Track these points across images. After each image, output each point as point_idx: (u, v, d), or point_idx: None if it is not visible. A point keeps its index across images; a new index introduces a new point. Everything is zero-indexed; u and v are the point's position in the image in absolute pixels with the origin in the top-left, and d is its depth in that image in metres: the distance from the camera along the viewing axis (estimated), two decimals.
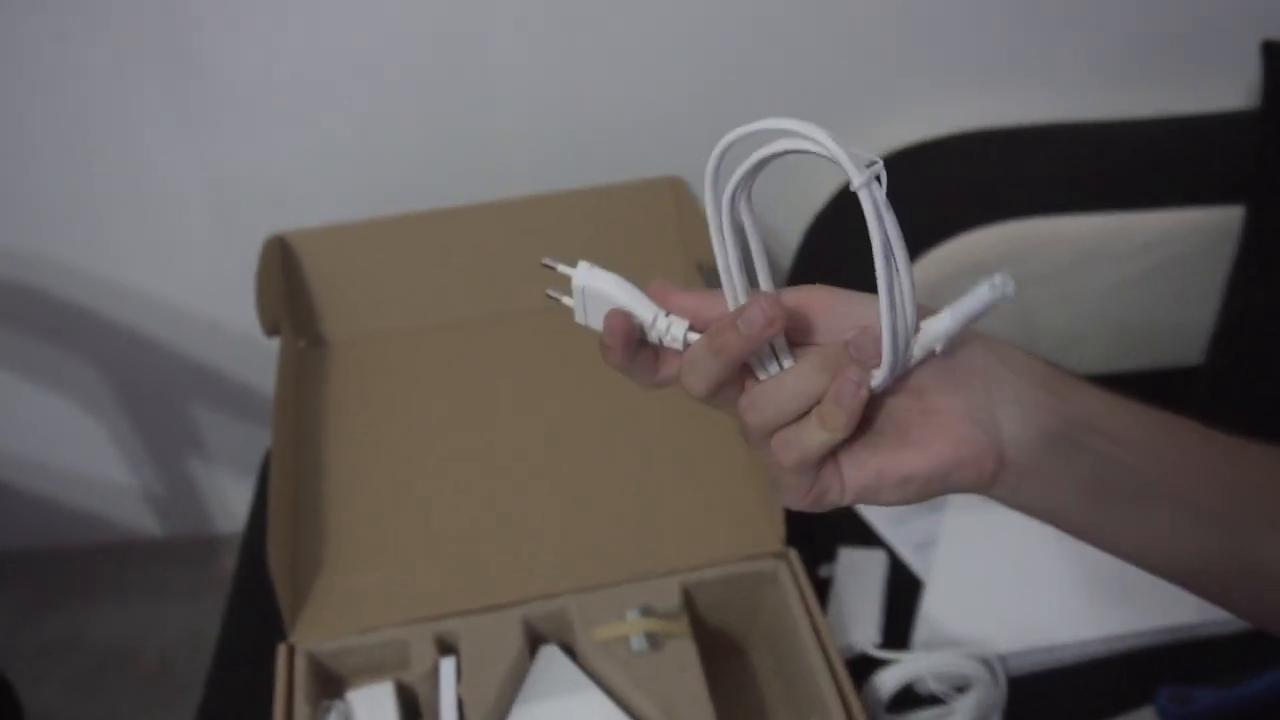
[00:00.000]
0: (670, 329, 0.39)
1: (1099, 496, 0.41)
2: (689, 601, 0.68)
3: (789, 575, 0.68)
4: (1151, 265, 0.91)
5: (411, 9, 0.92)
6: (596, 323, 0.40)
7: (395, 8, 0.92)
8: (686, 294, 0.41)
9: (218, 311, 1.19)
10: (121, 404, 1.31)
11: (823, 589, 0.75)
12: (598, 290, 0.40)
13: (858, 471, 0.39)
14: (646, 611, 0.66)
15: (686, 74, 0.98)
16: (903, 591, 0.77)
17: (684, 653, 0.64)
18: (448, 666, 0.63)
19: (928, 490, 0.39)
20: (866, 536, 0.81)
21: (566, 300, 0.42)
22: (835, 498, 0.40)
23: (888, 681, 0.67)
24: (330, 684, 0.66)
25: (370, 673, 0.66)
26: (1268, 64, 0.85)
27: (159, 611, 1.45)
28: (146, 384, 1.29)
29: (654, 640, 0.64)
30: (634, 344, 0.40)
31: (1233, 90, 0.87)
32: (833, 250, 1.02)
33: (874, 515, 0.82)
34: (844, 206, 1.01)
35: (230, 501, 1.45)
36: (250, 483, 0.94)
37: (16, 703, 1.30)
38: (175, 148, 1.04)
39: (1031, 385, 0.41)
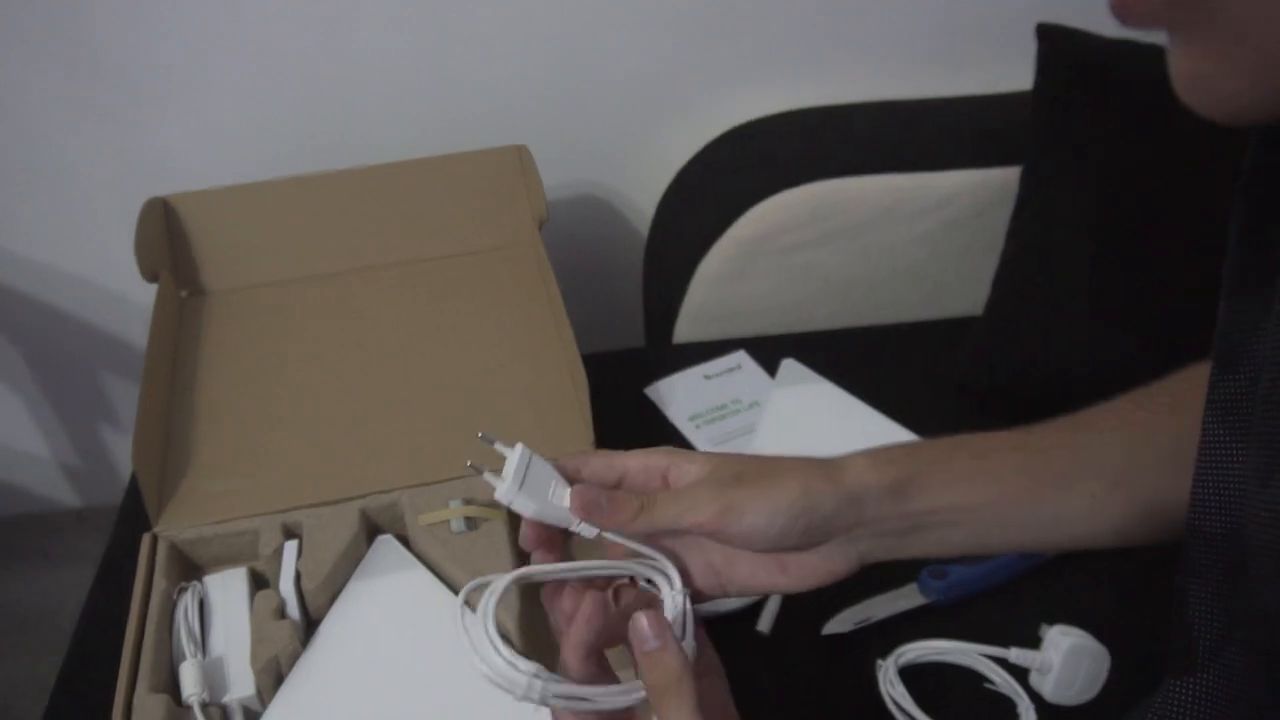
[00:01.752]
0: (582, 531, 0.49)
1: (949, 549, 0.54)
2: None
3: None
4: (944, 220, 1.02)
5: None
6: (521, 504, 0.48)
7: None
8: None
9: (122, 284, 1.28)
10: (36, 377, 1.39)
11: None
12: (531, 475, 0.48)
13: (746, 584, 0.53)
14: (467, 501, 0.76)
15: (529, 55, 1.09)
16: None
17: (496, 533, 0.74)
18: (290, 546, 0.73)
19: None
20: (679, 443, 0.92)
21: (489, 477, 0.49)
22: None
23: None
24: (190, 570, 0.76)
25: (226, 561, 0.76)
26: (1041, 42, 0.97)
27: (77, 576, 1.52)
28: (58, 357, 1.37)
29: (472, 524, 0.74)
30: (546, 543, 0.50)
31: (1022, 74, 0.98)
32: (684, 221, 1.13)
33: (698, 438, 0.93)
34: (704, 165, 1.12)
35: None
36: None
37: None
38: (72, 127, 1.13)
39: (880, 507, 0.52)
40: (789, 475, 0.50)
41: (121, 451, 1.51)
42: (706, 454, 0.52)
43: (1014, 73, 1.01)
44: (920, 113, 1.09)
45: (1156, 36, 0.33)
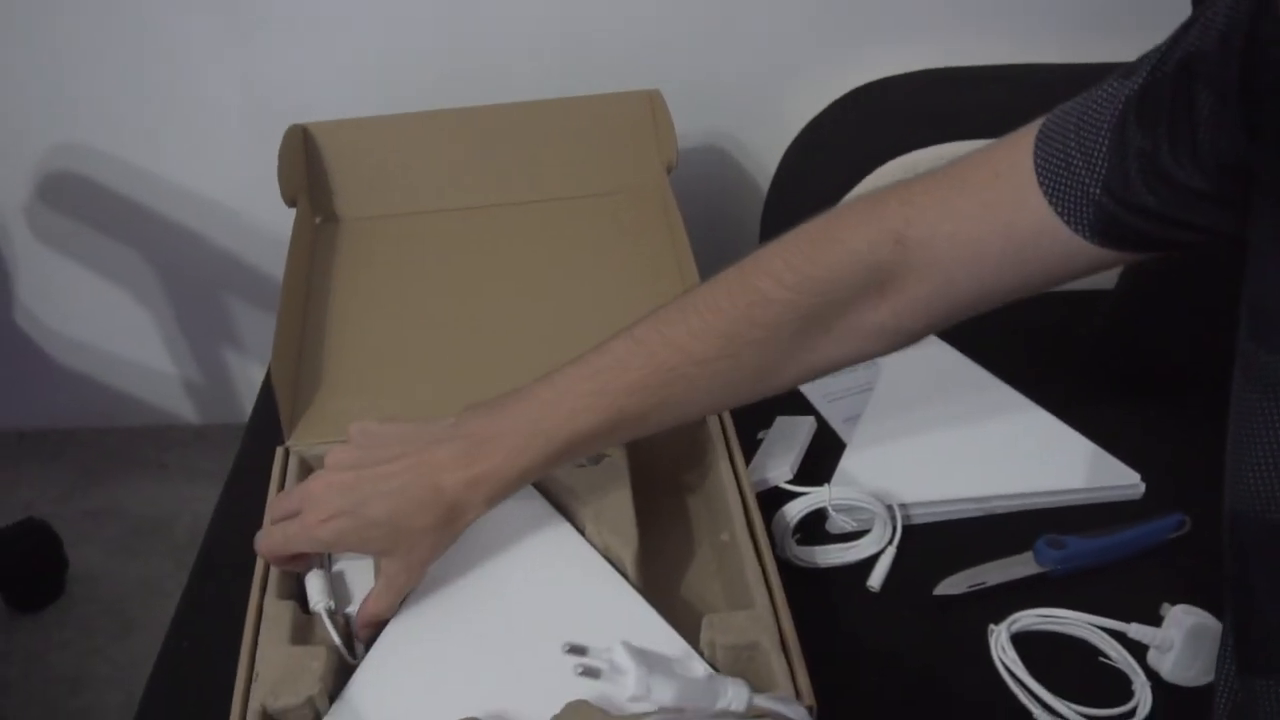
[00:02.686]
0: None
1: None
2: None
3: (715, 417, 0.78)
4: None
5: None
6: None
7: None
8: None
9: (253, 209, 1.32)
10: (167, 295, 1.45)
11: (759, 448, 0.86)
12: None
13: None
14: None
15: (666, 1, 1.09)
16: (831, 459, 0.86)
17: (616, 469, 0.75)
18: None
19: None
20: (803, 409, 0.92)
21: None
22: None
23: (794, 509, 0.78)
24: None
25: None
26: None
27: (192, 490, 1.59)
28: (189, 276, 1.43)
29: (592, 458, 0.76)
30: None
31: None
32: (807, 177, 1.12)
33: (813, 393, 0.93)
34: (832, 120, 1.11)
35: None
36: None
37: (63, 557, 1.45)
38: (217, 55, 1.16)
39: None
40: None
41: (241, 372, 1.56)
42: None
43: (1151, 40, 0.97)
44: (1064, 78, 1.06)
45: None
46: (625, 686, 0.53)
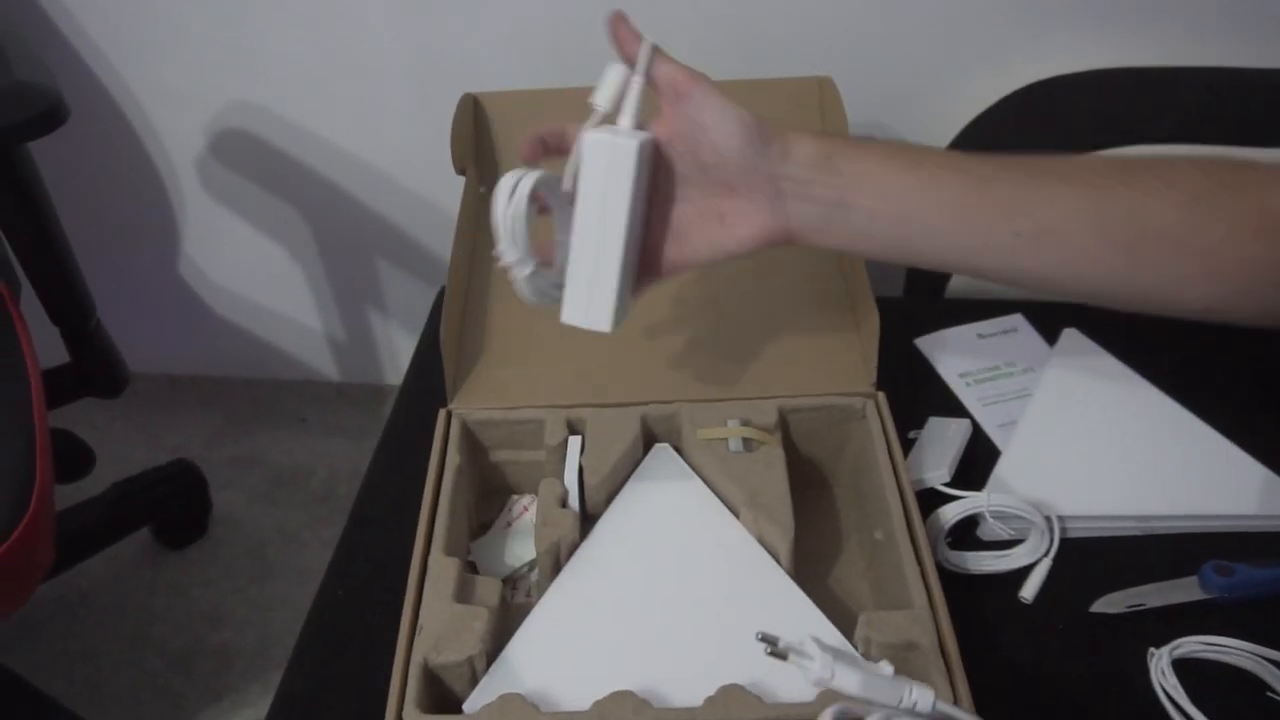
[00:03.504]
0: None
1: (875, 243, 0.63)
2: (784, 424, 0.78)
3: (875, 414, 0.77)
4: None
5: None
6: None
7: None
8: None
9: (411, 176, 1.35)
10: (321, 255, 1.49)
11: (910, 447, 0.85)
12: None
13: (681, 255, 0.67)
14: (745, 423, 0.77)
15: None
16: (984, 464, 0.85)
17: (773, 457, 0.74)
18: (574, 441, 0.76)
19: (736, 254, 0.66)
20: (956, 411, 0.90)
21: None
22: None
23: (950, 512, 0.77)
24: (477, 451, 0.80)
25: (511, 446, 0.80)
26: None
27: (329, 445, 1.64)
28: (343, 238, 1.47)
29: (749, 445, 0.75)
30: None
31: None
32: None
33: (966, 396, 0.91)
34: (999, 117, 1.08)
35: (399, 357, 1.63)
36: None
37: (208, 500, 1.51)
38: (388, 20, 1.19)
39: (809, 170, 0.61)
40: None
41: (383, 334, 1.60)
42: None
43: None
44: (1256, 84, 1.01)
45: None
46: (809, 670, 0.53)
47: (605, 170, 0.62)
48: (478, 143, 0.99)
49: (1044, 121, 1.04)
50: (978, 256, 0.62)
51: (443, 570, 0.66)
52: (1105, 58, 1.07)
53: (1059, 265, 0.61)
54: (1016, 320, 0.98)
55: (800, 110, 0.98)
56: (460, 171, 0.94)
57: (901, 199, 0.61)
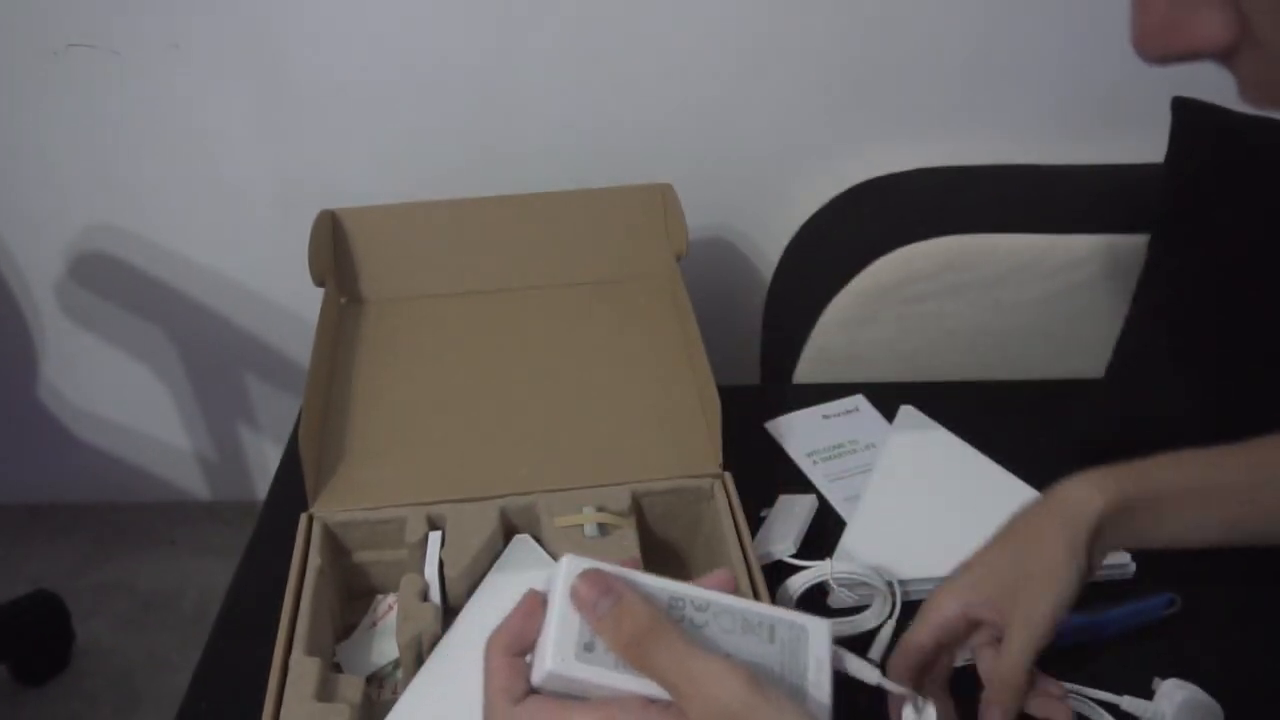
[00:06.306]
0: None
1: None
2: (638, 509, 0.82)
3: (723, 493, 0.82)
4: (1071, 282, 1.05)
5: (457, 38, 1.11)
6: None
7: (448, 35, 1.11)
8: None
9: (274, 290, 1.37)
10: (186, 373, 1.49)
11: (759, 525, 0.89)
12: None
13: None
14: (600, 509, 0.80)
15: (679, 100, 1.15)
16: (833, 536, 0.90)
17: (627, 540, 0.78)
18: (434, 537, 0.78)
19: None
20: (805, 488, 0.95)
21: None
22: None
23: (797, 581, 0.81)
24: (340, 553, 0.81)
25: (373, 546, 0.82)
26: (1175, 115, 0.99)
27: (201, 565, 1.61)
28: (208, 355, 1.47)
29: (604, 530, 0.79)
30: None
31: (1151, 146, 1.01)
32: (808, 267, 1.17)
33: (814, 474, 0.96)
34: (835, 213, 1.16)
35: (270, 471, 1.61)
36: None
37: (70, 630, 1.46)
38: (251, 143, 1.22)
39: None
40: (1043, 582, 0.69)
41: (253, 450, 1.59)
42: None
43: (1139, 146, 1.04)
44: (1050, 177, 1.12)
45: None
46: None
47: None
48: (336, 255, 1.02)
49: (871, 216, 1.13)
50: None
51: (304, 670, 0.67)
52: (929, 158, 1.17)
53: None
54: (858, 400, 1.05)
55: (645, 213, 1.05)
56: (319, 283, 0.97)
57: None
